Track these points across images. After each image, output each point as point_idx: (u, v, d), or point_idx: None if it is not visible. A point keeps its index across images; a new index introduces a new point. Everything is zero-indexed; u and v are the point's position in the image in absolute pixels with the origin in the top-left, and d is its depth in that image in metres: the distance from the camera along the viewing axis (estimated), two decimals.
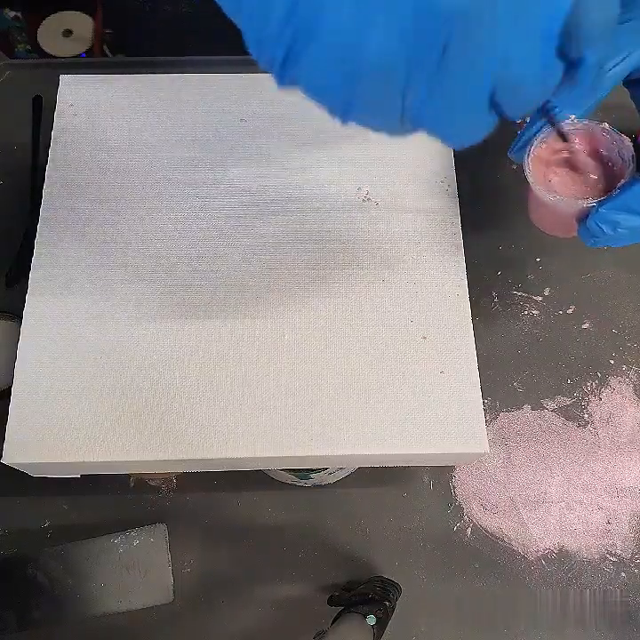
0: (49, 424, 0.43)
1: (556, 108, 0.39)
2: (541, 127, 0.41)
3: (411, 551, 0.53)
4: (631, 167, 0.40)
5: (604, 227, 0.39)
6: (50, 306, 0.46)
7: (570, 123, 0.40)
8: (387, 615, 0.45)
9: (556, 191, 0.42)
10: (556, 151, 0.42)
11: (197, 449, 0.43)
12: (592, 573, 0.52)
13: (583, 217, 0.41)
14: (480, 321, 0.57)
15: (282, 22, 0.24)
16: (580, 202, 0.40)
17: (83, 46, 1.54)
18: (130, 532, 0.51)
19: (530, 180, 0.42)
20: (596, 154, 0.43)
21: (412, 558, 0.52)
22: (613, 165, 0.42)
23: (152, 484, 0.54)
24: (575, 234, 0.42)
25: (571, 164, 0.42)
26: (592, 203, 0.40)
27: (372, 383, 0.45)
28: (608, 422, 0.56)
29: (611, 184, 0.41)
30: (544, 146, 0.42)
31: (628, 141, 0.41)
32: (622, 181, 0.40)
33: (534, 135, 0.41)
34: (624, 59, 0.36)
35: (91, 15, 1.56)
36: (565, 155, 0.42)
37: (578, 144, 0.42)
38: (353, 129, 0.52)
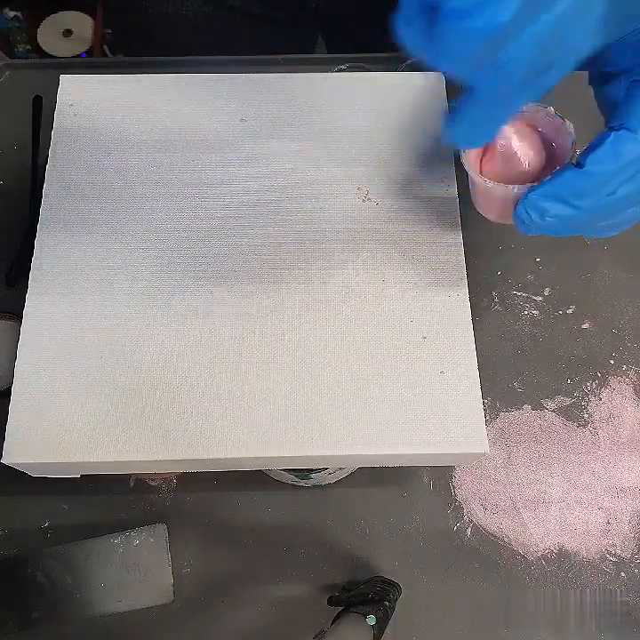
0: (49, 424, 0.43)
1: None
2: None
3: (411, 551, 0.53)
4: (571, 153, 0.40)
5: (532, 214, 0.38)
6: (50, 306, 0.46)
7: None
8: (387, 615, 0.45)
9: (492, 176, 0.41)
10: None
11: (197, 449, 0.43)
12: (592, 573, 0.52)
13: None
14: (480, 321, 0.57)
15: None
16: (511, 187, 0.40)
17: (83, 46, 1.54)
18: (130, 532, 0.51)
19: (465, 165, 0.41)
20: (540, 138, 0.42)
21: (412, 558, 0.52)
22: (556, 150, 0.41)
23: (152, 483, 0.54)
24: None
25: (507, 150, 0.42)
26: (523, 188, 0.39)
27: (372, 383, 0.45)
28: (608, 422, 0.56)
29: (553, 170, 0.40)
30: None
31: (571, 127, 0.40)
32: (558, 168, 0.39)
33: None
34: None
35: (91, 15, 1.57)
36: (501, 140, 0.42)
37: (511, 131, 0.41)
38: (354, 129, 0.52)
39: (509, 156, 0.42)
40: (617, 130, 0.35)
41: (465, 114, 0.35)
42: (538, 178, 0.40)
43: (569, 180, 0.36)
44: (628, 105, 0.35)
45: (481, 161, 0.43)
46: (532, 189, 0.38)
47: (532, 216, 0.38)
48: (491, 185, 0.41)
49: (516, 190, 0.39)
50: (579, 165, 0.36)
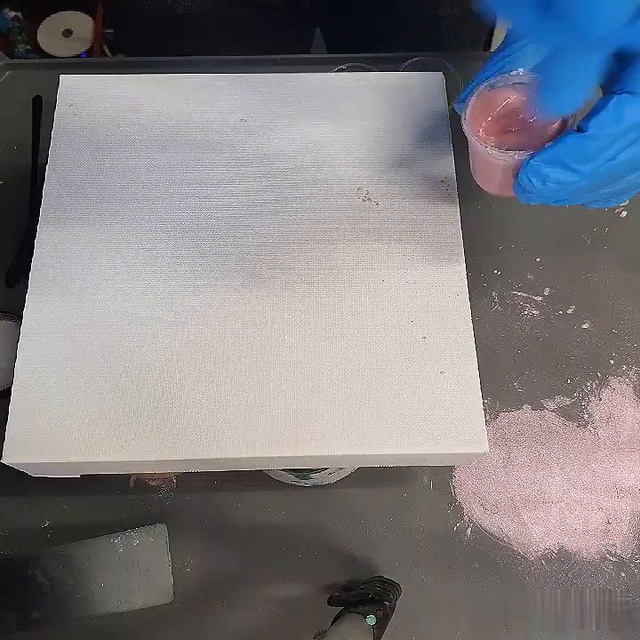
0: (49, 424, 0.43)
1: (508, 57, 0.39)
2: (487, 78, 0.40)
3: (411, 551, 0.53)
4: (571, 121, 0.39)
5: (533, 180, 0.38)
6: (50, 306, 0.46)
7: (517, 75, 0.39)
8: (387, 615, 0.45)
9: (493, 144, 0.41)
10: (497, 103, 0.41)
11: (197, 449, 0.43)
12: (592, 573, 0.52)
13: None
14: (480, 321, 0.57)
15: None
16: (512, 153, 0.39)
17: (83, 46, 1.54)
18: (130, 532, 0.51)
19: (466, 131, 0.41)
20: None
21: (411, 558, 0.53)
22: (563, 120, 0.41)
23: (152, 483, 0.54)
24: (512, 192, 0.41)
25: (511, 117, 0.41)
26: (524, 156, 0.39)
27: (372, 383, 0.45)
28: (608, 422, 0.56)
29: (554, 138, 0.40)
30: (485, 97, 0.41)
31: None
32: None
33: (479, 86, 0.41)
34: None
35: (91, 15, 1.57)
36: (505, 106, 0.41)
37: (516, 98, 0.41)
38: (354, 129, 0.52)
39: (514, 123, 0.41)
40: (619, 93, 0.35)
41: (552, 76, 0.34)
42: (540, 146, 0.40)
43: (571, 144, 0.36)
44: (630, 70, 0.35)
45: (482, 126, 0.42)
46: (533, 155, 0.38)
47: (534, 182, 0.38)
48: (491, 151, 0.40)
49: (517, 157, 0.39)
50: (580, 130, 0.36)
